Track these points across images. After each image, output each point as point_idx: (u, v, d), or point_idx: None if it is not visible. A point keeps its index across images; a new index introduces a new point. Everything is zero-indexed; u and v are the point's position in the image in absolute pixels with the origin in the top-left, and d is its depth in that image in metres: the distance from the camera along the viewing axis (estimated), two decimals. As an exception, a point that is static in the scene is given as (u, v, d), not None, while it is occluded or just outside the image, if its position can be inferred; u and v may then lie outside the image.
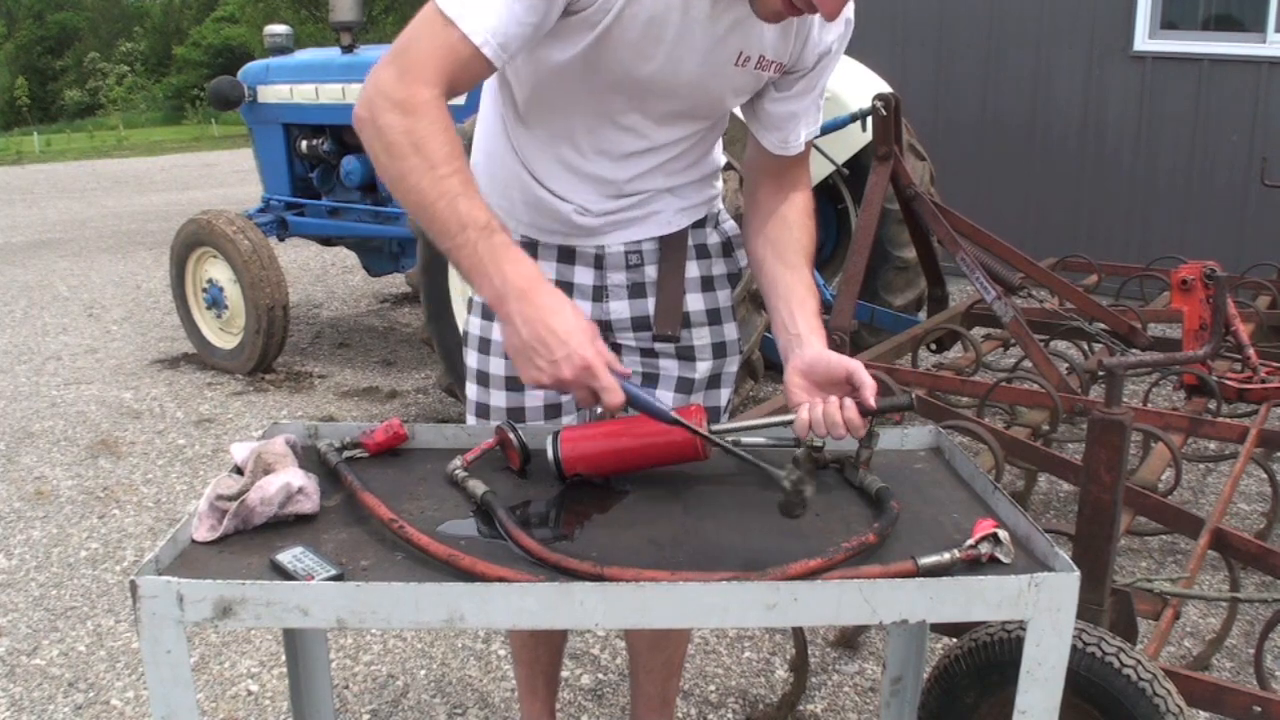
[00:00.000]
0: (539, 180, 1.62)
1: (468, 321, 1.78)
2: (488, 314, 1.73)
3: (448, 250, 1.31)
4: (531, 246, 1.68)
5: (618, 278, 1.71)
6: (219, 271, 5.08)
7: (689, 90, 1.52)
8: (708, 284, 1.78)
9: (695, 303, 1.75)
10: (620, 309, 1.73)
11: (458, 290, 4.12)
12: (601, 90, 1.50)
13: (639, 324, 1.74)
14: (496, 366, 1.74)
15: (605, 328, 1.74)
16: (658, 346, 1.75)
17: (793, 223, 1.65)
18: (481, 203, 1.31)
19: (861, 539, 1.25)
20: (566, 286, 1.69)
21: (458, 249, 1.29)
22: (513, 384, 1.73)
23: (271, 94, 5.35)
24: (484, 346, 1.75)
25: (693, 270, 1.75)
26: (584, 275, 1.70)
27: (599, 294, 1.72)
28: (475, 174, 1.55)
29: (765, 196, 1.69)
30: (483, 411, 1.76)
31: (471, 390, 1.78)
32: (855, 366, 1.44)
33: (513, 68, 1.55)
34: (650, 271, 1.72)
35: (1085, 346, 3.86)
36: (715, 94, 1.55)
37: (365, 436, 1.55)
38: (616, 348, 1.78)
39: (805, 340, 1.52)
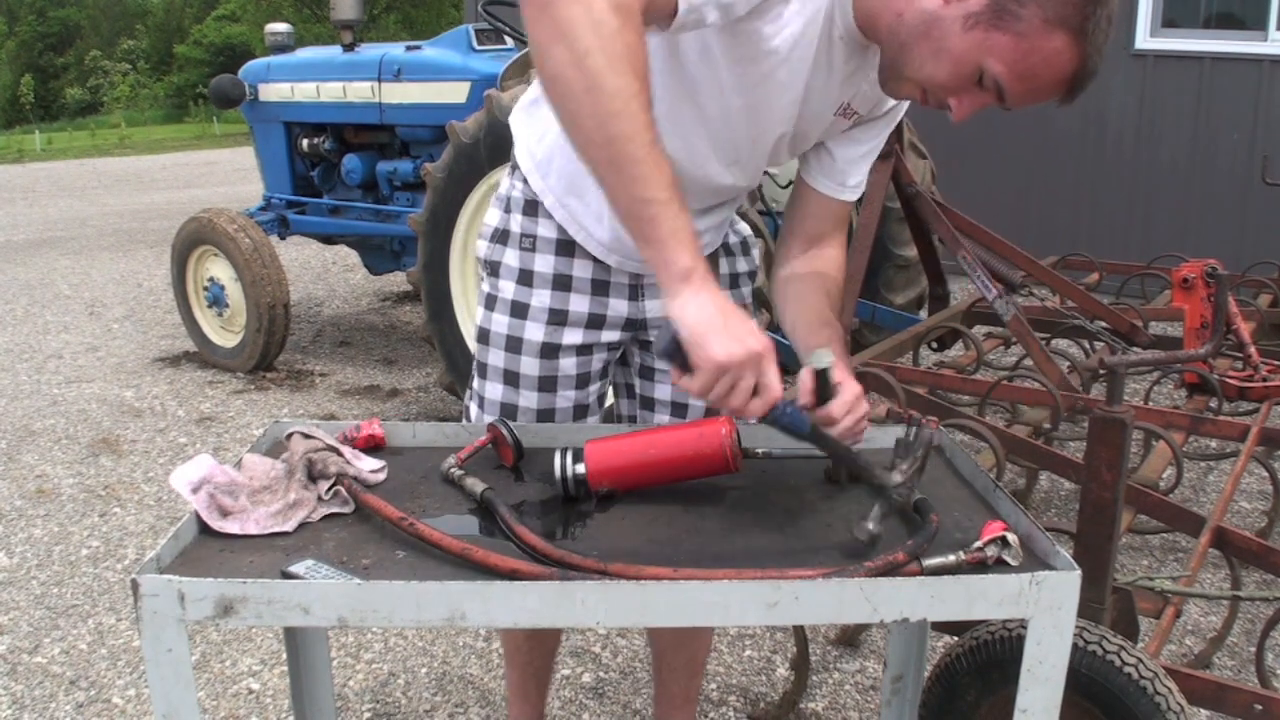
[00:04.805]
0: None
1: (488, 319, 1.72)
2: (517, 311, 1.68)
3: (640, 201, 1.16)
4: (569, 245, 1.66)
5: (654, 275, 1.71)
6: (220, 270, 5.08)
7: (799, 134, 1.52)
8: (734, 281, 1.80)
9: None
10: (655, 307, 1.72)
11: (458, 288, 4.12)
12: (736, 112, 1.46)
13: None
14: (529, 367, 1.69)
15: (640, 325, 1.74)
16: None
17: (828, 275, 1.64)
18: (666, 153, 1.19)
19: (889, 557, 1.20)
20: (602, 285, 1.68)
21: (658, 205, 1.16)
22: (545, 384, 1.70)
23: (272, 92, 5.35)
24: (513, 345, 1.69)
25: (722, 268, 1.77)
26: (620, 274, 1.69)
27: (635, 292, 1.71)
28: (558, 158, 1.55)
29: (797, 245, 1.68)
30: (509, 413, 1.72)
31: (495, 390, 1.73)
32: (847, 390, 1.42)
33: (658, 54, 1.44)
34: None
35: (1086, 345, 3.85)
36: (810, 139, 1.56)
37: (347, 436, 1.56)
38: (649, 345, 1.78)
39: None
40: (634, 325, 1.74)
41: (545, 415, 1.72)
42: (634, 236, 1.20)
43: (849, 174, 1.61)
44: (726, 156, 1.53)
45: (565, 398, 1.71)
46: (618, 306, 1.70)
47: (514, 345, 1.70)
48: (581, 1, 1.11)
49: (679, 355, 1.20)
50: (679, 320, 1.19)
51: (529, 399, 1.71)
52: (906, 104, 1.61)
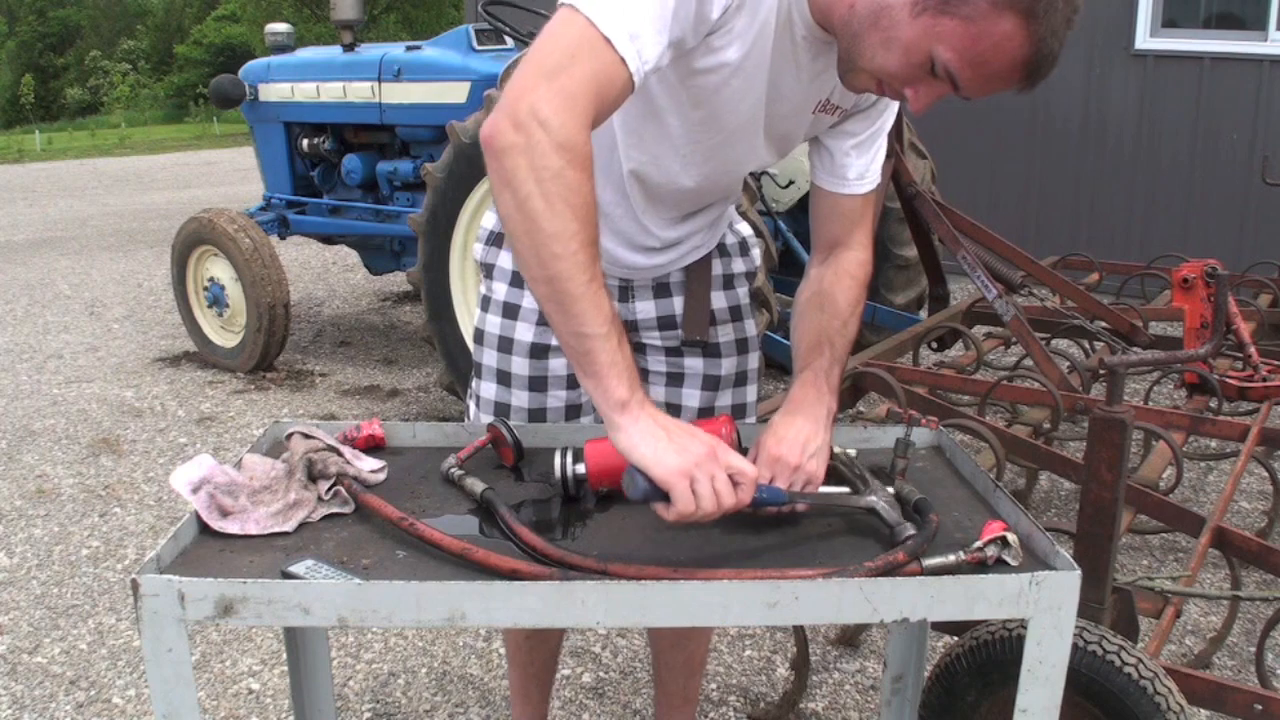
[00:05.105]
0: (619, 201, 1.59)
1: (482, 319, 1.75)
2: (509, 312, 1.70)
3: (578, 335, 1.20)
4: None
5: (642, 278, 1.72)
6: (220, 270, 5.08)
7: (777, 135, 1.51)
8: (729, 282, 1.79)
9: (718, 300, 1.77)
10: (646, 309, 1.74)
11: (458, 288, 4.12)
12: (697, 124, 1.46)
13: (665, 323, 1.75)
14: (519, 366, 1.71)
15: (631, 327, 1.75)
16: (685, 347, 1.76)
17: (838, 282, 1.60)
18: (606, 288, 1.24)
19: (889, 557, 1.21)
20: None
21: (594, 339, 1.20)
22: (536, 384, 1.72)
23: (273, 92, 5.35)
24: (505, 345, 1.72)
25: (716, 268, 1.77)
26: (609, 277, 1.68)
27: (625, 294, 1.72)
28: None
29: (818, 254, 1.65)
30: (502, 411, 1.74)
31: (489, 389, 1.75)
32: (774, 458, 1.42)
33: None
34: (675, 273, 1.73)
35: (1086, 345, 3.85)
36: (793, 139, 1.55)
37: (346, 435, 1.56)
38: (641, 347, 1.78)
39: (795, 401, 1.50)
40: (625, 326, 1.74)
41: (537, 415, 1.73)
42: (574, 366, 1.24)
43: (847, 167, 1.58)
44: (696, 166, 1.53)
45: (556, 397, 1.73)
46: None
47: (505, 345, 1.72)
48: (527, 151, 1.16)
49: (653, 490, 1.21)
50: (627, 452, 1.22)
51: (520, 398, 1.73)
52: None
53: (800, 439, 1.43)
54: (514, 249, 1.23)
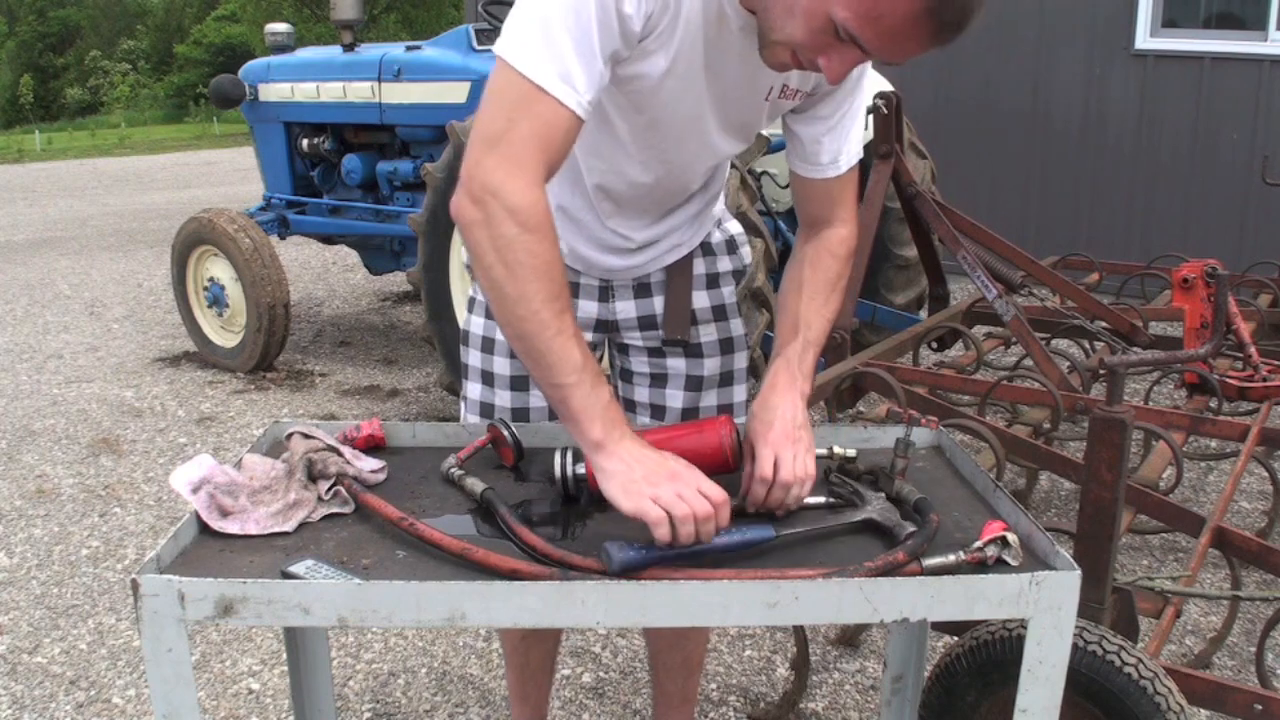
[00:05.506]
0: (587, 207, 1.61)
1: (468, 321, 1.77)
2: (490, 313, 1.72)
3: (552, 385, 1.27)
4: None
5: (622, 278, 1.72)
6: (220, 270, 5.08)
7: (734, 125, 1.51)
8: (713, 281, 1.78)
9: (700, 300, 1.76)
10: (626, 309, 1.74)
11: (458, 288, 4.12)
12: (643, 128, 1.47)
13: (645, 323, 1.74)
14: (501, 366, 1.73)
15: (612, 327, 1.75)
16: (665, 346, 1.76)
17: (817, 262, 1.60)
18: (582, 336, 1.29)
19: (889, 557, 1.21)
20: (573, 287, 1.69)
21: (566, 388, 1.25)
22: (518, 383, 1.73)
23: (273, 92, 5.35)
24: (487, 346, 1.73)
25: (699, 267, 1.76)
26: (589, 277, 1.71)
27: (605, 294, 1.73)
28: None
29: (803, 232, 1.65)
30: (487, 411, 1.75)
31: (474, 390, 1.77)
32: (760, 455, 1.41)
33: None
34: (656, 272, 1.73)
35: (1086, 345, 3.85)
36: (754, 126, 1.55)
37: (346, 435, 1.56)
38: (624, 348, 1.78)
39: (767, 387, 1.51)
40: (605, 326, 1.75)
41: (520, 414, 1.74)
42: (554, 409, 1.32)
43: (820, 152, 1.56)
44: (652, 167, 1.54)
45: (539, 397, 1.73)
46: (587, 308, 1.72)
47: (488, 346, 1.74)
48: (486, 224, 1.24)
49: (632, 558, 1.20)
50: (606, 492, 1.26)
51: (504, 398, 1.74)
52: (866, 73, 1.54)
53: (786, 415, 1.44)
54: (492, 310, 1.30)
